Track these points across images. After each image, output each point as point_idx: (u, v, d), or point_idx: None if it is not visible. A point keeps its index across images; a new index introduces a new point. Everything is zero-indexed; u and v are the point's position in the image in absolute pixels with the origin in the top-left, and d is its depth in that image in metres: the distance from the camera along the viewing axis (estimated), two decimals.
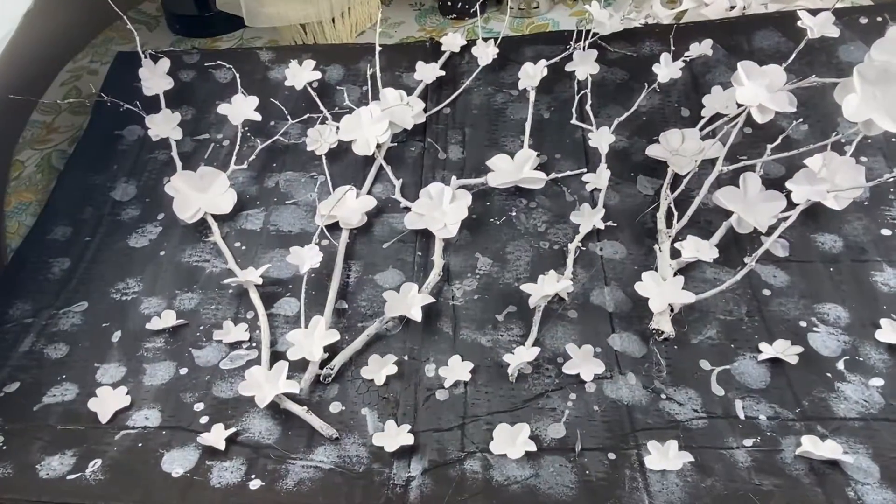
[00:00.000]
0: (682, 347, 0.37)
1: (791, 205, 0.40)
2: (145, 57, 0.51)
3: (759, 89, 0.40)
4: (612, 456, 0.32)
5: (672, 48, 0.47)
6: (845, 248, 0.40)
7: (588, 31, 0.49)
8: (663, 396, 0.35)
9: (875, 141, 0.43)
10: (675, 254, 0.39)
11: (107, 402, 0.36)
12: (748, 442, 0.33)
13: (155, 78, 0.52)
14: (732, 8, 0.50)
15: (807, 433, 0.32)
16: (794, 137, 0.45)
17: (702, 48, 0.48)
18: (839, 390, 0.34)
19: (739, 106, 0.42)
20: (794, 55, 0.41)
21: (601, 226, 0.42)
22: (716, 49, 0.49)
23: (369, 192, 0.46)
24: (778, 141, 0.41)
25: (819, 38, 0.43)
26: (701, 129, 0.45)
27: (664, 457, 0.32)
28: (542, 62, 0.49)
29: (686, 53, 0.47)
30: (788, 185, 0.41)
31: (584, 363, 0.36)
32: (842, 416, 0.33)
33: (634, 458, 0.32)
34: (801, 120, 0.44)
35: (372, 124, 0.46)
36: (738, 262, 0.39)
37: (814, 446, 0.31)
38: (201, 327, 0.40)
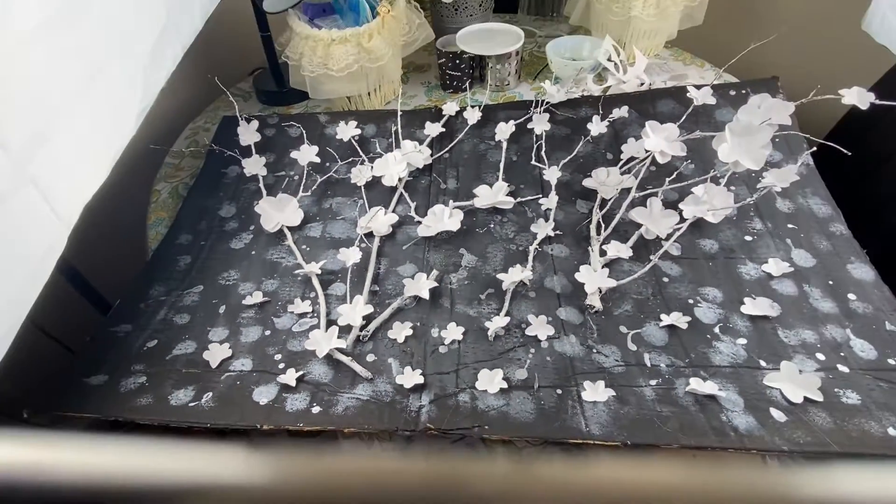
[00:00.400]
0: (608, 317, 0.36)
1: (682, 219, 0.40)
2: (242, 119, 0.51)
3: (661, 140, 0.39)
4: (559, 391, 0.32)
5: (601, 112, 0.47)
6: (720, 249, 0.39)
7: (543, 101, 0.49)
8: (595, 351, 0.34)
9: (741, 175, 0.43)
10: (602, 253, 0.39)
11: (216, 353, 0.36)
12: (653, 382, 0.32)
13: (248, 133, 0.51)
14: (642, 84, 0.49)
15: (693, 376, 0.32)
16: (685, 173, 0.44)
17: (621, 112, 0.47)
18: (715, 347, 0.34)
19: (647, 151, 0.42)
20: (684, 116, 0.41)
21: (552, 234, 0.41)
22: (631, 112, 0.48)
23: (394, 211, 0.45)
24: (673, 176, 0.41)
25: (702, 105, 0.43)
26: (621, 168, 0.45)
27: (595, 392, 0.31)
28: (512, 122, 0.48)
29: (610, 115, 0.47)
30: (681, 205, 0.40)
31: (540, 327, 0.35)
32: (717, 364, 0.33)
33: (575, 392, 0.32)
34: (689, 161, 0.44)
35: (395, 164, 0.46)
36: (646, 258, 0.39)
37: (698, 385, 0.31)
38: (279, 303, 0.40)
